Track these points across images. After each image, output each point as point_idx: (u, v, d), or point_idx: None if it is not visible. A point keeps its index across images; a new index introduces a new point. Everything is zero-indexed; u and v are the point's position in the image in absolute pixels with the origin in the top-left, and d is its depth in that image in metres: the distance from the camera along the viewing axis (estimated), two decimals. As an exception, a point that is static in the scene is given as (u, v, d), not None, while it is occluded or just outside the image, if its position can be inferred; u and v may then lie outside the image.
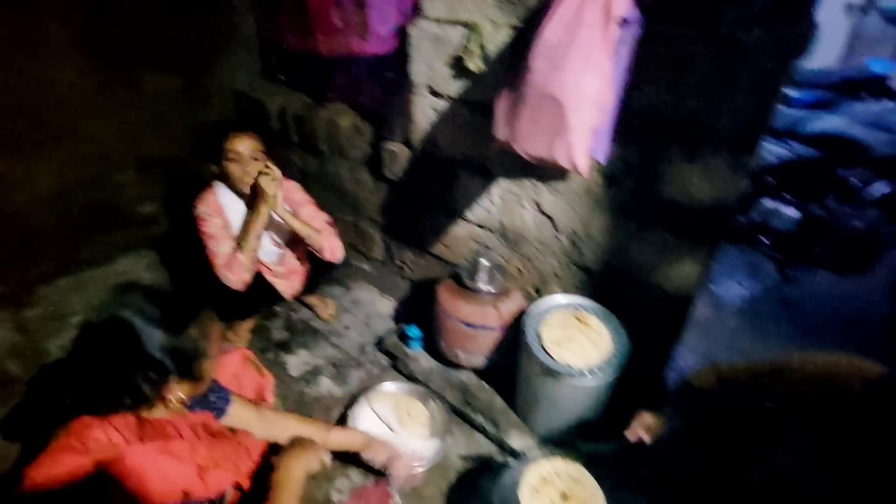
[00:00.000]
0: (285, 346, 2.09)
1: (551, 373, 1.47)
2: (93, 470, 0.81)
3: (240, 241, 1.74)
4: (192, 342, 0.93)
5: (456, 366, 1.91)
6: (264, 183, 1.69)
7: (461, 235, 2.08)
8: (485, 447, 1.70)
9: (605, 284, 1.70)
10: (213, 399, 1.19)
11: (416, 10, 1.75)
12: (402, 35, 1.84)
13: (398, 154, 2.09)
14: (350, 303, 2.35)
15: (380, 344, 2.08)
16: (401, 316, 2.26)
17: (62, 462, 0.82)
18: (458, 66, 1.66)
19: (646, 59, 1.26)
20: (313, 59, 2.27)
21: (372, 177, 2.30)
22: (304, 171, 2.65)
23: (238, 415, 1.24)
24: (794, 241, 2.69)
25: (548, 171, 1.64)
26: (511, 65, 1.38)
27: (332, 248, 1.94)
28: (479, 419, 1.74)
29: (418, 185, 2.10)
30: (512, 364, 1.71)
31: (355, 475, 1.59)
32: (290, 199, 1.94)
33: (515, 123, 1.27)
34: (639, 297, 1.63)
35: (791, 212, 2.72)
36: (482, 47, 1.56)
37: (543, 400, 1.58)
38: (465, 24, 1.59)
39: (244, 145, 1.74)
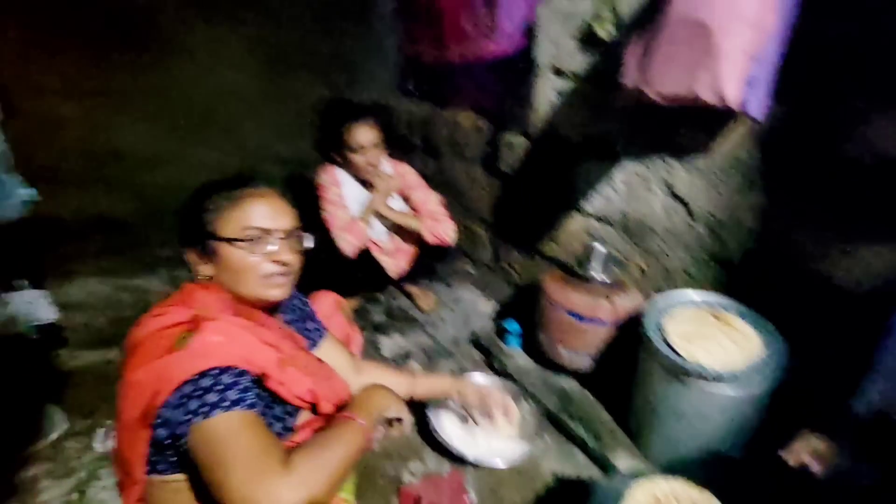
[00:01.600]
0: (382, 328, 2.05)
1: (677, 372, 1.18)
2: (190, 321, 0.86)
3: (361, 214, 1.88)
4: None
5: (557, 368, 1.68)
6: (376, 180, 1.87)
7: (574, 230, 1.90)
8: (583, 465, 1.43)
9: (752, 282, 1.37)
10: (308, 328, 1.16)
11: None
12: (528, 33, 1.83)
13: (515, 145, 2.03)
14: (451, 300, 2.26)
15: (475, 338, 1.94)
16: (501, 317, 2.10)
17: (170, 312, 0.89)
18: (587, 38, 1.58)
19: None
20: (442, 72, 2.39)
21: (486, 173, 2.27)
22: (422, 173, 2.72)
23: (330, 351, 1.19)
24: None
25: (686, 144, 1.42)
26: (646, 12, 1.25)
27: (440, 233, 1.92)
28: (580, 430, 1.48)
29: (533, 175, 2.00)
30: (622, 373, 1.44)
31: (431, 461, 1.43)
32: (404, 183, 1.99)
33: (648, 63, 1.12)
34: (803, 299, 1.28)
35: None
36: (614, 10, 1.45)
37: (664, 412, 1.28)
38: (597, -8, 1.51)
39: (365, 135, 1.81)
